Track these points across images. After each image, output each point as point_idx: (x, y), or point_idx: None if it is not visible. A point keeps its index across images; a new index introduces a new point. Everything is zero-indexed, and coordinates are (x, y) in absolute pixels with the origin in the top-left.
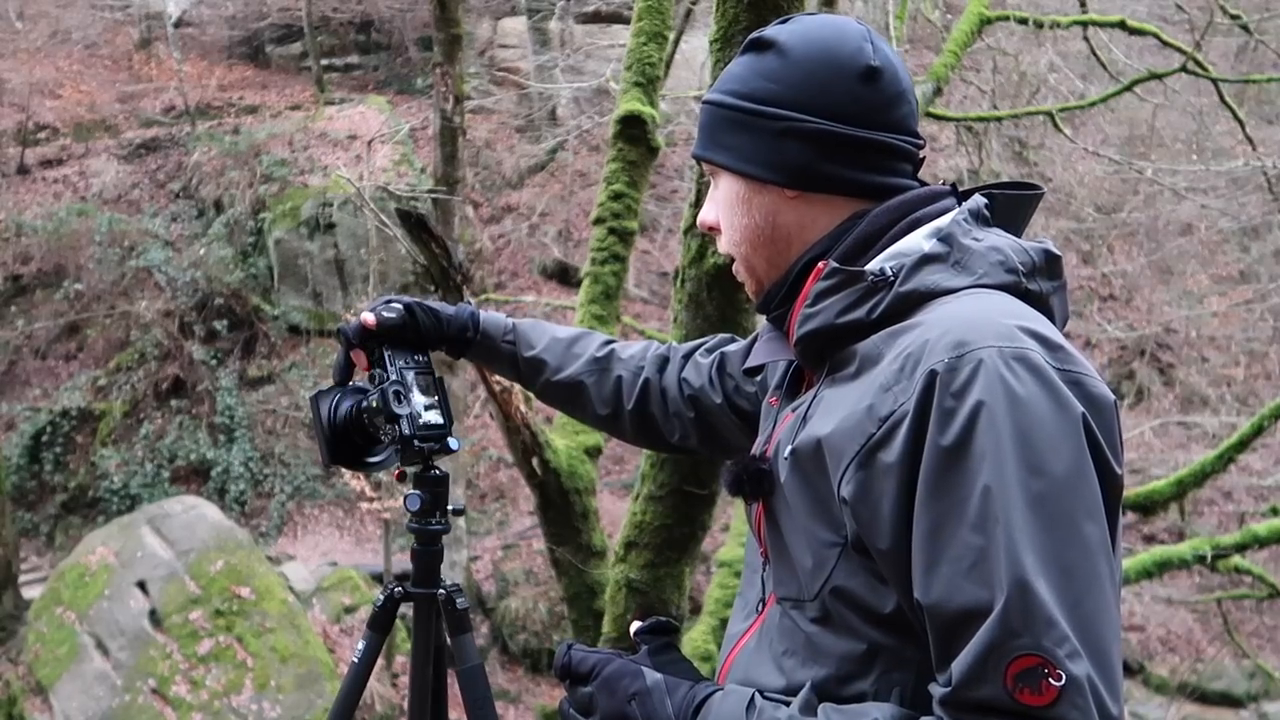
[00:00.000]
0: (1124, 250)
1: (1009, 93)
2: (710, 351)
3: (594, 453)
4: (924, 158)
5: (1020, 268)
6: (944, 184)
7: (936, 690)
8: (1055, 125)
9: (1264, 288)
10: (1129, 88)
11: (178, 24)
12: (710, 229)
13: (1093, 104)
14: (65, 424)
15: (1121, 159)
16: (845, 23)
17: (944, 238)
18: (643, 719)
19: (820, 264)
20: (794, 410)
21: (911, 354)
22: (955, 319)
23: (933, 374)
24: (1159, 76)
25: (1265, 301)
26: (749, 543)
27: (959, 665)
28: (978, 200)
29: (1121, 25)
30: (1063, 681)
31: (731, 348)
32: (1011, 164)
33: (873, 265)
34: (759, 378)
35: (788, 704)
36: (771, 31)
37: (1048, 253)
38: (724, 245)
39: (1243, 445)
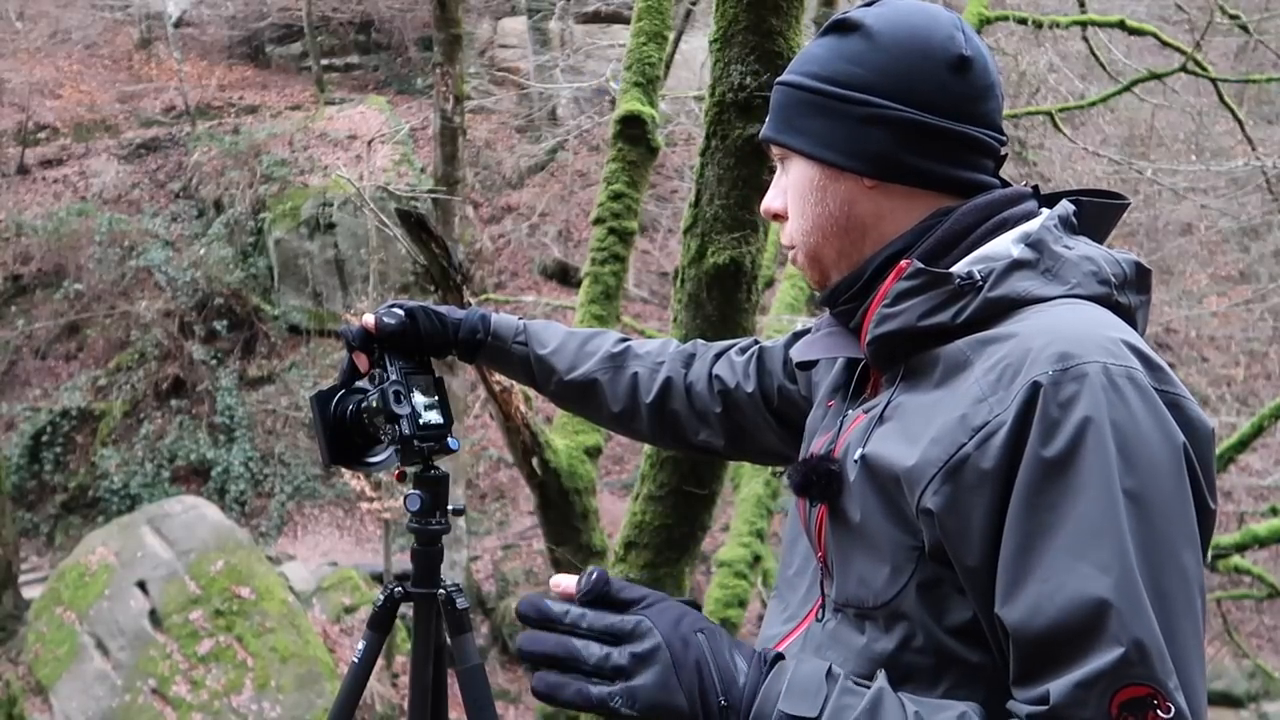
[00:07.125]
0: (1124, 250)
1: (1009, 93)
2: (745, 350)
3: (594, 453)
4: (1006, 154)
5: (1113, 279)
6: (1026, 184)
7: (1022, 708)
8: (1055, 125)
9: (1264, 288)
10: (1129, 88)
11: (178, 24)
12: (775, 216)
13: (1093, 104)
14: (65, 424)
15: (1121, 159)
16: (937, 9)
17: (1034, 244)
18: (709, 654)
19: (902, 262)
20: (866, 412)
21: (1010, 364)
22: (1058, 329)
23: (1036, 385)
24: (1159, 76)
25: (1265, 301)
26: (794, 544)
27: (1060, 686)
28: (1067, 206)
29: (1121, 25)
30: (1171, 714)
31: (769, 343)
32: (1011, 164)
33: (959, 268)
34: (802, 378)
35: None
36: (857, 13)
37: (1138, 265)
38: (790, 233)
39: (1243, 445)
